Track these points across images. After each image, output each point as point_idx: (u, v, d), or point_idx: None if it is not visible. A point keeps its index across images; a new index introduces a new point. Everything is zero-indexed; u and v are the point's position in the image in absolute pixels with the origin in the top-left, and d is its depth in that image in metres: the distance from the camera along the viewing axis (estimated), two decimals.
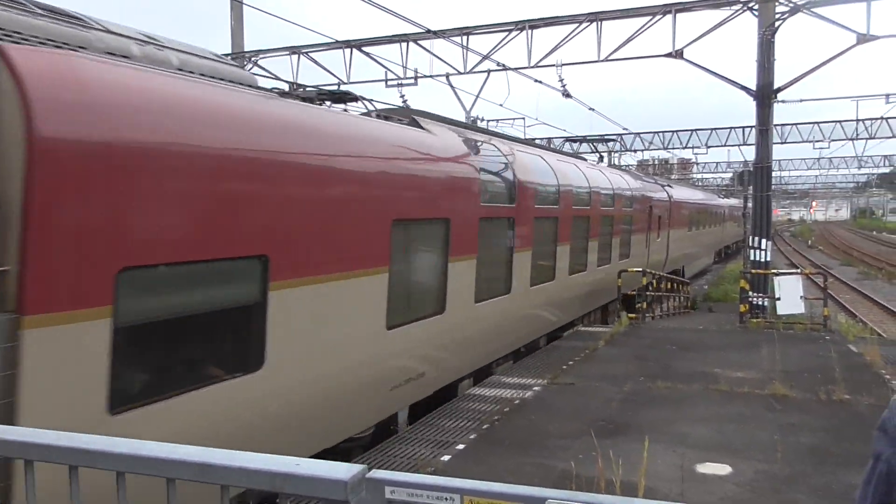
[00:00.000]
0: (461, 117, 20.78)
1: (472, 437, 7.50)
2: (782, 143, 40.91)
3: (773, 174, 18.38)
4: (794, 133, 41.53)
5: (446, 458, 6.84)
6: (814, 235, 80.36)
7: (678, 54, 18.66)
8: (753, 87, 17.20)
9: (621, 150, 46.05)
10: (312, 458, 2.11)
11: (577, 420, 8.09)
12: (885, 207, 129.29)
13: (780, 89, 17.31)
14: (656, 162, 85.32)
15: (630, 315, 15.97)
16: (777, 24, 16.91)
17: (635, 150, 47.48)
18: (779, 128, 39.19)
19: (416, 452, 7.15)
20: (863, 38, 16.97)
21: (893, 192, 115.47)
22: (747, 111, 27.75)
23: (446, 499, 1.90)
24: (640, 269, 17.49)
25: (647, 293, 17.25)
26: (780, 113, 17.51)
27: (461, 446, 7.19)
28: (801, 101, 24.34)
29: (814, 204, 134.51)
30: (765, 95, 17.08)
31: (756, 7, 17.13)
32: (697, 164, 63.76)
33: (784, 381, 9.60)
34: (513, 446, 7.20)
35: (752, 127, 39.69)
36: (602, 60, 20.01)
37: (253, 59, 22.88)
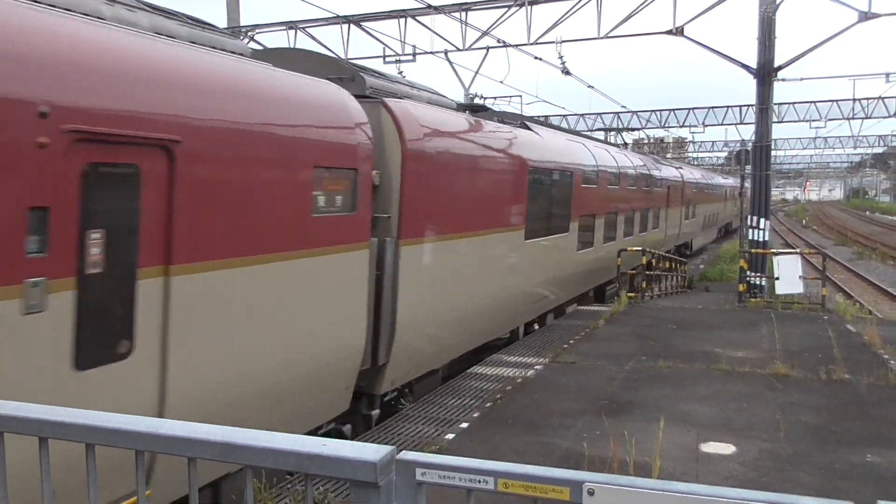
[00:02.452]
0: (460, 94, 20.61)
1: (475, 415, 7.49)
2: (779, 122, 40.82)
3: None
4: (791, 112, 41.44)
5: (450, 436, 6.83)
6: (808, 215, 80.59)
7: (679, 31, 18.51)
8: (754, 65, 17.09)
9: (619, 128, 45.87)
10: (340, 440, 2.06)
11: (580, 399, 8.09)
12: (878, 188, 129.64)
13: (780, 67, 17.20)
14: (651, 140, 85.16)
15: (629, 294, 15.98)
16: (779, 1, 16.76)
17: (632, 129, 47.32)
18: (776, 107, 39.08)
19: (421, 431, 7.15)
20: (864, 16, 16.83)
21: (887, 172, 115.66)
22: (745, 90, 27.64)
23: (480, 481, 1.86)
24: (640, 249, 17.48)
25: (647, 272, 17.26)
26: (776, 92, 17.39)
27: (465, 425, 7.18)
28: (802, 79, 24.29)
29: (808, 184, 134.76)
30: (765, 73, 16.97)
31: None
32: (694, 142, 63.57)
33: (785, 361, 9.62)
34: (516, 425, 7.19)
35: (749, 105, 39.67)
36: (602, 37, 19.84)
37: (249, 33, 22.59)
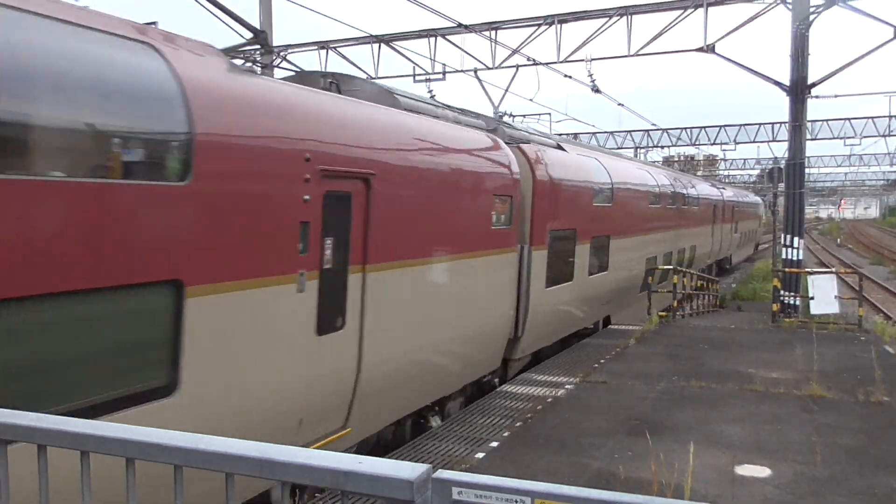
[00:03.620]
0: (489, 112, 20.67)
1: (505, 434, 7.45)
2: (812, 139, 40.30)
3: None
4: (825, 129, 40.90)
5: (480, 455, 6.80)
6: (843, 234, 79.15)
7: (710, 49, 18.41)
8: (787, 82, 16.92)
9: (648, 146, 45.65)
10: (374, 457, 2.07)
11: (611, 419, 8.01)
12: None
13: (814, 84, 17.00)
14: (681, 158, 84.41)
15: (660, 313, 15.81)
16: (812, 17, 16.60)
17: (662, 147, 47.05)
18: (809, 124, 38.55)
19: (451, 449, 7.12)
20: None
21: None
22: (777, 107, 27.35)
23: (517, 501, 1.85)
24: (671, 267, 17.31)
25: (679, 291, 17.08)
26: (809, 109, 17.21)
27: (495, 444, 7.14)
28: (836, 96, 23.94)
29: (842, 202, 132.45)
30: (798, 90, 16.79)
31: (790, 0, 16.83)
32: (725, 160, 62.95)
33: (821, 382, 9.43)
34: (547, 444, 7.14)
35: (782, 123, 39.22)
36: (632, 55, 19.81)
37: (282, 53, 22.95)
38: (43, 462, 2.39)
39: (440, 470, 1.96)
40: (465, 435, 7.56)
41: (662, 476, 5.92)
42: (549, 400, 8.79)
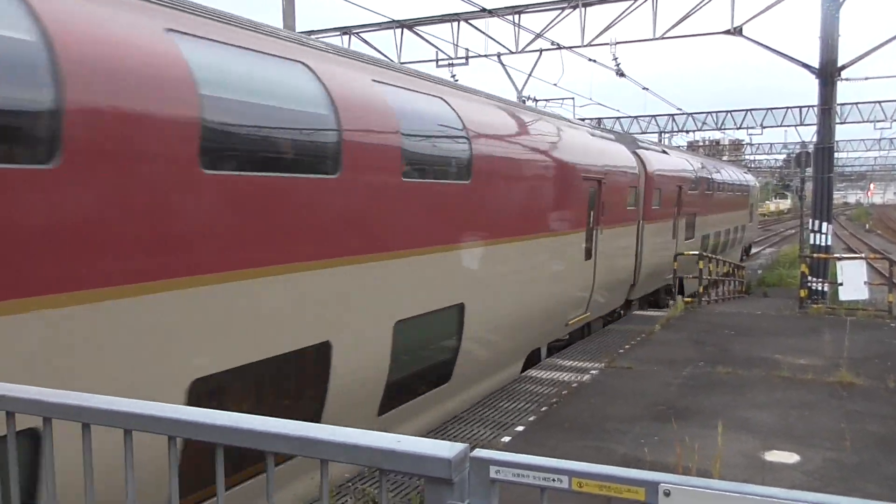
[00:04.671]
0: (512, 96, 20.59)
1: (531, 419, 7.48)
2: (841, 123, 39.58)
3: None
4: (854, 112, 40.15)
5: (506, 439, 6.84)
6: (871, 219, 77.87)
7: (737, 31, 18.15)
8: (816, 64, 16.64)
9: (673, 130, 45.16)
10: (414, 437, 2.10)
11: (637, 404, 8.00)
12: None
13: (844, 67, 16.70)
14: (706, 143, 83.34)
15: (686, 299, 15.72)
16: None
17: (687, 131, 46.52)
18: (838, 107, 37.76)
19: (477, 433, 7.17)
20: None
21: None
22: (804, 90, 26.89)
23: (554, 480, 1.87)
24: (696, 253, 17.19)
25: (704, 277, 16.96)
26: (839, 92, 16.94)
27: (520, 428, 7.17)
28: (867, 79, 23.46)
29: (871, 186, 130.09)
30: (828, 73, 16.51)
31: None
32: (752, 144, 62.10)
33: (850, 369, 9.33)
34: (573, 429, 7.16)
35: (810, 106, 38.55)
36: (658, 38, 19.58)
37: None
38: (87, 441, 2.45)
39: (477, 449, 1.99)
40: (491, 419, 7.61)
41: (690, 461, 5.92)
42: (575, 385, 8.80)
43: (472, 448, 2.02)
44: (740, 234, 29.31)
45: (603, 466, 1.85)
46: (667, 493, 1.77)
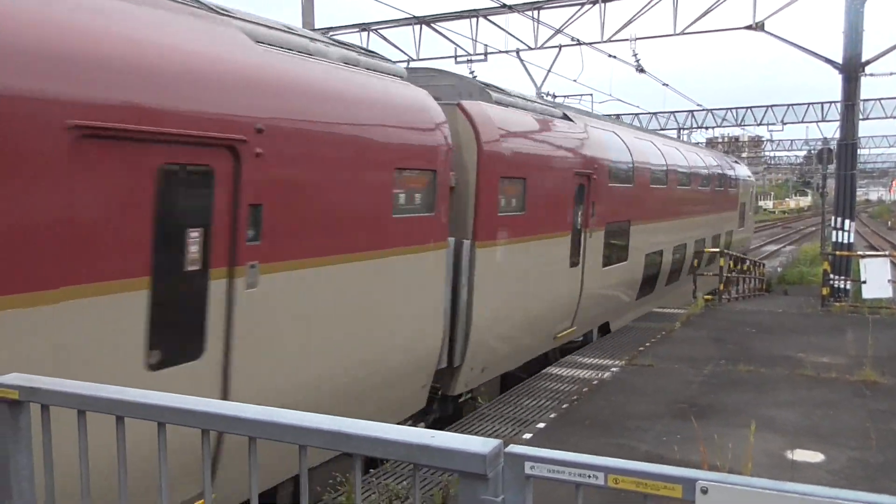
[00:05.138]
0: (531, 93, 20.52)
1: (552, 416, 7.47)
2: (864, 119, 39.08)
3: None
4: (878, 108, 39.65)
5: (528, 436, 6.83)
6: (893, 216, 76.88)
7: (759, 26, 17.96)
8: (839, 59, 16.44)
9: (692, 127, 44.83)
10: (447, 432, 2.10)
11: (658, 402, 7.97)
12: None
13: (868, 62, 16.50)
14: (726, 139, 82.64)
15: (706, 297, 15.62)
16: None
17: (707, 128, 46.16)
18: (861, 103, 37.14)
19: (498, 430, 7.17)
20: None
21: None
22: (827, 86, 26.56)
23: (590, 476, 1.87)
24: (717, 250, 17.07)
25: (725, 274, 16.82)
26: (862, 87, 16.74)
27: (541, 425, 7.17)
28: (892, 73, 23.13)
29: (893, 183, 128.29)
30: (852, 68, 16.31)
31: None
32: (772, 141, 61.51)
33: (874, 367, 9.22)
34: (594, 426, 7.14)
35: (832, 102, 38.08)
36: (678, 34, 19.44)
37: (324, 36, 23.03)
38: (121, 433, 2.48)
39: (512, 445, 1.99)
40: (511, 416, 7.60)
41: (717, 459, 5.88)
42: (595, 382, 8.78)
43: (508, 444, 2.02)
44: (726, 240, 21.81)
45: (639, 463, 1.84)
46: (704, 491, 1.76)
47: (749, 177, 27.06)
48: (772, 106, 42.68)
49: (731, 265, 17.80)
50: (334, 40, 6.72)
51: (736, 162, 26.36)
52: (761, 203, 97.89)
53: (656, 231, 14.62)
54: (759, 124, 44.12)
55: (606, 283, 12.15)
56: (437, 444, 1.99)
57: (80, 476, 2.53)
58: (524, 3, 20.24)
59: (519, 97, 9.96)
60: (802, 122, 41.32)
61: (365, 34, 22.95)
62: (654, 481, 1.81)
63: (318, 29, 22.55)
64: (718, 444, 6.27)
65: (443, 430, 7.30)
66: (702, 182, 18.40)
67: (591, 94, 32.52)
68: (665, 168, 15.22)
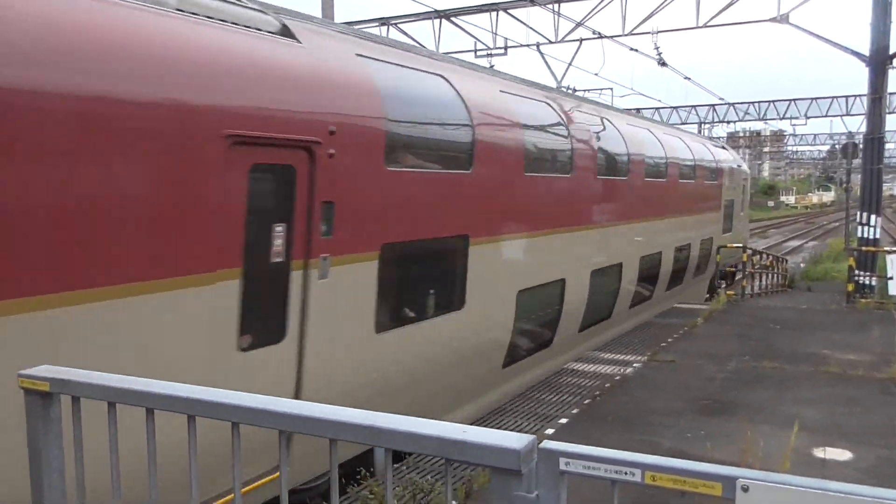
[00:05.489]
0: (552, 86, 20.43)
1: (574, 411, 7.43)
2: (890, 112, 38.43)
3: None
4: None
5: (550, 431, 6.81)
6: None
7: (783, 19, 17.72)
8: (866, 52, 16.16)
9: (714, 121, 44.40)
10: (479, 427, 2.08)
11: (681, 398, 7.90)
12: None
13: None
14: (747, 134, 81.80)
15: (728, 292, 15.46)
16: None
17: (728, 122, 45.71)
18: (888, 96, 36.43)
19: (520, 425, 7.15)
20: None
21: None
22: (851, 79, 26.16)
23: (626, 473, 1.84)
24: (740, 245, 16.88)
25: (747, 270, 16.64)
26: (890, 80, 16.46)
27: (564, 420, 7.13)
28: None
29: None
30: (879, 61, 16.03)
31: None
32: (795, 135, 60.78)
33: None
34: (616, 422, 7.09)
35: (857, 96, 37.54)
36: (701, 27, 19.22)
37: None
38: (151, 425, 2.48)
39: (546, 440, 1.96)
40: (533, 411, 7.57)
41: (734, 456, 5.81)
42: (618, 378, 8.72)
43: (543, 439, 1.99)
44: (701, 254, 16.27)
45: (677, 460, 1.81)
46: (745, 489, 1.72)
47: (739, 165, 21.28)
48: (795, 100, 42.17)
49: (755, 260, 17.59)
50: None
51: (722, 147, 21.10)
52: (783, 198, 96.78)
53: (544, 250, 8.74)
54: (783, 118, 43.65)
55: (384, 364, 6.21)
56: (471, 439, 1.97)
57: (109, 467, 2.54)
58: None
59: None
60: (826, 116, 40.82)
61: (385, 28, 22.92)
62: (693, 479, 1.77)
63: (339, 24, 22.54)
64: (745, 440, 6.20)
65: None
66: (650, 170, 12.62)
67: (612, 88, 32.28)
68: (567, 141, 9.42)
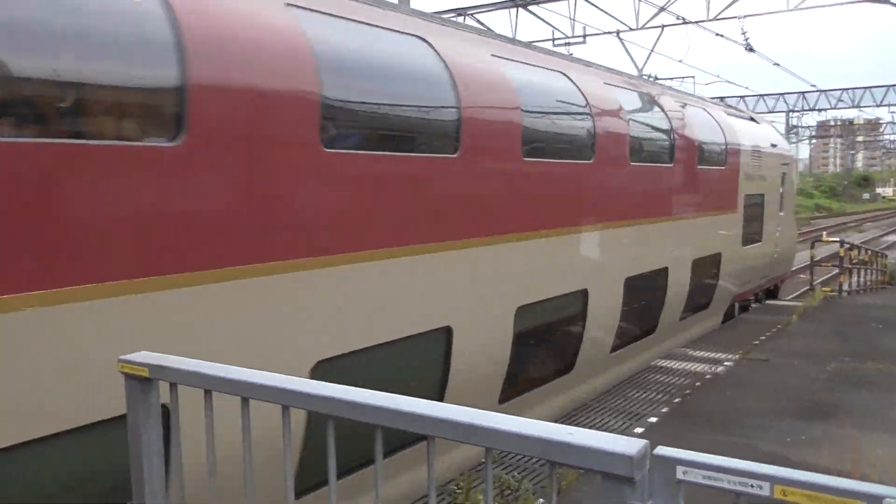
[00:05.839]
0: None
1: (663, 410, 7.17)
2: None
3: None
4: None
5: (639, 430, 6.59)
6: None
7: None
8: None
9: (803, 109, 42.49)
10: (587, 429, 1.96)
11: (777, 399, 7.51)
12: None
13: None
14: (838, 123, 77.84)
15: (824, 289, 14.71)
16: None
17: (819, 110, 43.64)
18: None
19: (607, 422, 6.95)
20: None
21: None
22: None
23: (752, 486, 1.68)
24: (837, 240, 16.04)
25: (844, 265, 15.78)
26: None
27: (653, 419, 6.89)
28: None
29: None
30: None
31: None
32: (893, 123, 57.50)
33: None
34: (708, 423, 6.80)
35: None
36: (791, 10, 18.32)
37: None
38: (246, 413, 2.47)
39: (660, 447, 1.82)
40: (620, 408, 7.35)
41: (844, 465, 5.46)
42: (709, 377, 8.38)
43: (657, 445, 1.86)
44: (695, 283, 10.24)
45: (813, 474, 1.64)
46: None
47: (773, 144, 13.95)
48: (893, 86, 39.83)
49: (853, 255, 16.67)
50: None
51: (750, 118, 14.07)
52: (879, 190, 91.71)
53: (397, 281, 5.10)
54: (879, 105, 41.28)
55: None
56: (577, 441, 1.85)
57: (206, 454, 2.54)
58: None
59: None
60: None
61: (461, 18, 22.83)
62: (832, 495, 1.60)
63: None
64: (854, 448, 5.83)
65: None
66: (614, 150, 7.79)
67: (693, 77, 31.23)
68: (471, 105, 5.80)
